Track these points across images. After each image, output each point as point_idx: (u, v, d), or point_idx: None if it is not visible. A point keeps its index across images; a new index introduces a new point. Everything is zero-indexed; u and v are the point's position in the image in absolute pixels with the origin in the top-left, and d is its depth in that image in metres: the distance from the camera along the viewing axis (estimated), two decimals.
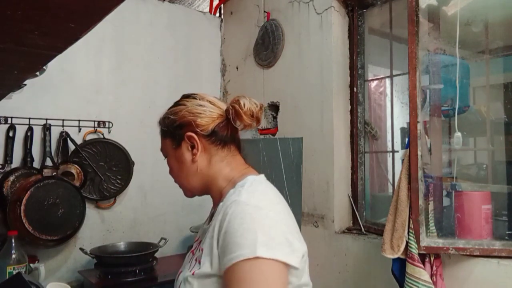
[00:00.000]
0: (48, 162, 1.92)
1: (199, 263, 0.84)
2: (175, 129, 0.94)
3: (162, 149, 1.00)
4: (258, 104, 0.92)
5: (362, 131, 1.99)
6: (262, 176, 0.95)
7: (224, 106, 0.96)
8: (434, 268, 1.46)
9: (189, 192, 1.00)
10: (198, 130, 0.92)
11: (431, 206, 1.57)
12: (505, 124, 1.77)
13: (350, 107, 2.01)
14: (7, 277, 1.50)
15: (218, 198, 0.93)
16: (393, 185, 1.96)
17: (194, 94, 0.98)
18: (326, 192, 1.96)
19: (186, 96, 0.98)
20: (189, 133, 0.92)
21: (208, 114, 0.93)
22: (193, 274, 0.83)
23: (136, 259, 1.88)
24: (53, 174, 1.85)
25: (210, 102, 0.96)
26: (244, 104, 0.89)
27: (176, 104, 0.98)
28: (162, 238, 2.05)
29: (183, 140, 0.93)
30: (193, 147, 0.93)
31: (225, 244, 0.78)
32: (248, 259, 0.74)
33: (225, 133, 0.94)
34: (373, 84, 2.22)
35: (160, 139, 1.00)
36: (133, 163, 2.19)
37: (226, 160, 0.95)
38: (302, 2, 2.13)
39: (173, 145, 0.95)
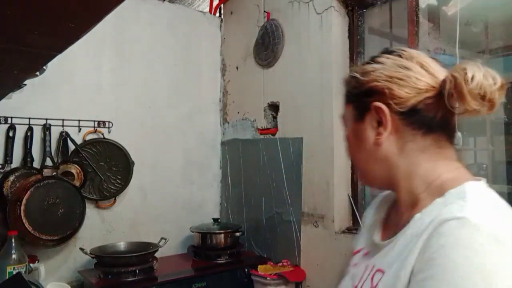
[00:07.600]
0: (48, 162, 1.93)
1: None
2: (361, 94, 0.70)
3: (342, 117, 0.78)
4: (497, 80, 0.60)
5: None
6: (484, 182, 0.65)
7: (441, 75, 0.67)
8: None
9: (367, 180, 0.75)
10: (391, 102, 0.66)
11: None
12: (505, 124, 1.77)
13: None
14: (7, 277, 1.50)
15: (408, 202, 0.68)
16: None
17: (401, 50, 0.71)
18: (326, 192, 1.96)
19: (388, 52, 0.72)
20: (378, 104, 0.67)
21: (413, 83, 0.66)
22: None
23: (136, 259, 1.88)
24: (53, 174, 1.86)
25: (421, 66, 0.68)
26: (472, 77, 0.60)
27: (373, 60, 0.72)
28: (162, 238, 2.05)
29: (368, 111, 0.69)
30: (379, 123, 0.68)
31: (427, 275, 0.53)
32: None
33: (433, 114, 0.66)
34: None
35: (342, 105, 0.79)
36: (133, 163, 2.19)
37: (430, 152, 0.67)
38: (302, 2, 2.13)
39: (355, 115, 0.72)
